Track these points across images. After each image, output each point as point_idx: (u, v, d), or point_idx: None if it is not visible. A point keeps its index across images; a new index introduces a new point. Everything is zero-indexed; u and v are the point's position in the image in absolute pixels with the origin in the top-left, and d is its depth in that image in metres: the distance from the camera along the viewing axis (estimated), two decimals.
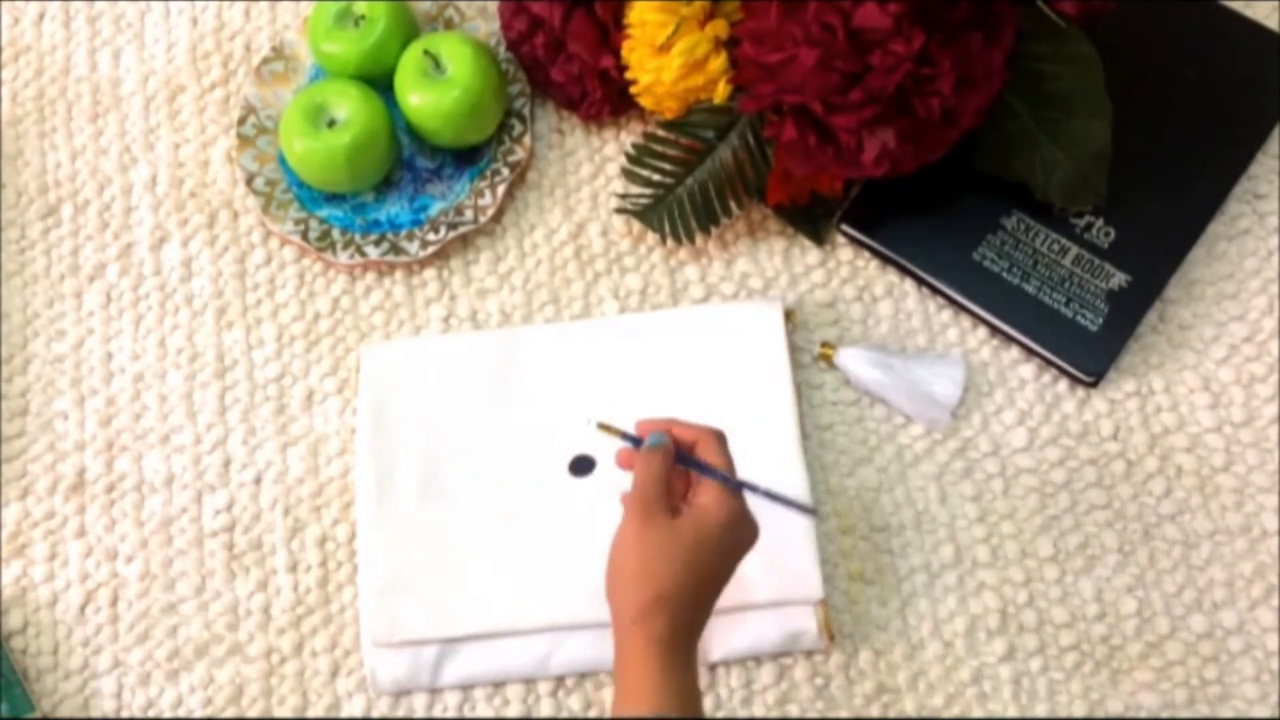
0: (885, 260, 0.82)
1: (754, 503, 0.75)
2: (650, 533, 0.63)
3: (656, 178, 0.82)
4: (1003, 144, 0.78)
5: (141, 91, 0.91)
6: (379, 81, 0.84)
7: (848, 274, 0.83)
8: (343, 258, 0.83)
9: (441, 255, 0.85)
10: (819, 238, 0.83)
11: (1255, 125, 0.82)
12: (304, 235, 0.84)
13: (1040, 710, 0.73)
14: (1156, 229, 0.80)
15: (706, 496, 0.64)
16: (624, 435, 0.68)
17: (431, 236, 0.84)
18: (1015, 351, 0.80)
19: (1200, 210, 0.80)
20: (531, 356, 0.80)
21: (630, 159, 0.82)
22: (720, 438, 0.67)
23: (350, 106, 0.82)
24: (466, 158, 0.86)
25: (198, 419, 0.82)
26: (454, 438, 0.78)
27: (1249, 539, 0.75)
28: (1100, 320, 0.78)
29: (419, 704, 0.76)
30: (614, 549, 0.64)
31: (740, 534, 0.65)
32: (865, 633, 0.75)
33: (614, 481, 0.76)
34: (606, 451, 0.77)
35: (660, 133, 0.82)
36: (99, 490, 0.81)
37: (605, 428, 0.67)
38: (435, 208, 0.85)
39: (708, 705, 0.74)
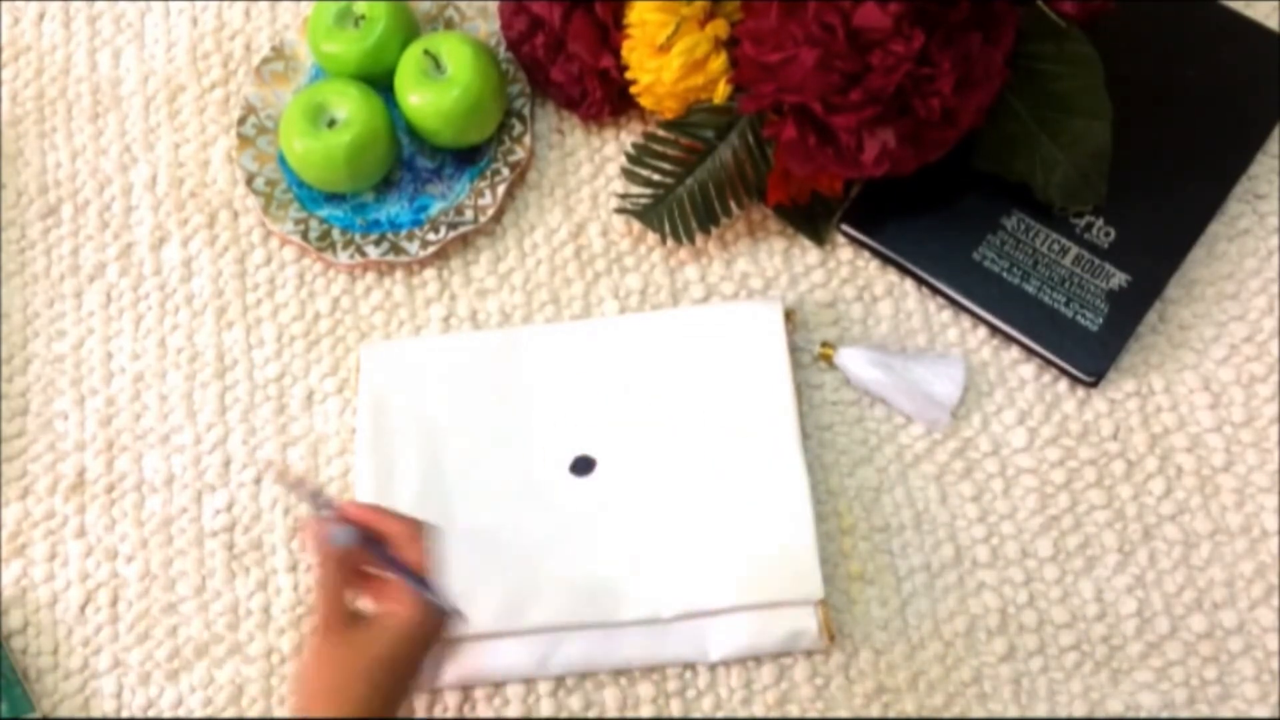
0: (885, 260, 0.82)
1: (750, 504, 0.75)
2: (330, 649, 0.59)
3: (656, 178, 0.82)
4: (1003, 144, 0.78)
5: (141, 91, 0.91)
6: (379, 81, 0.84)
7: (848, 274, 0.83)
8: (343, 258, 0.83)
9: (441, 255, 0.85)
10: (819, 238, 0.83)
11: (1255, 125, 0.82)
12: (304, 235, 0.84)
13: (1040, 710, 0.73)
14: (1156, 229, 0.79)
15: (396, 601, 0.60)
16: (313, 499, 0.62)
17: (431, 236, 0.84)
18: (1015, 351, 0.80)
19: (1200, 210, 0.80)
20: (531, 356, 0.80)
21: (630, 159, 0.82)
22: (421, 530, 0.63)
23: (350, 106, 0.82)
24: (466, 158, 0.86)
25: (198, 419, 0.82)
26: (454, 437, 0.78)
27: (1249, 539, 0.75)
28: (1100, 320, 0.78)
29: (419, 704, 0.76)
30: (300, 663, 0.60)
31: (430, 631, 0.61)
32: (865, 633, 0.75)
33: (615, 481, 0.76)
34: (607, 451, 0.77)
35: (660, 133, 0.81)
36: (99, 490, 0.81)
37: (284, 478, 0.62)
38: (435, 208, 0.85)
39: (707, 705, 0.74)
